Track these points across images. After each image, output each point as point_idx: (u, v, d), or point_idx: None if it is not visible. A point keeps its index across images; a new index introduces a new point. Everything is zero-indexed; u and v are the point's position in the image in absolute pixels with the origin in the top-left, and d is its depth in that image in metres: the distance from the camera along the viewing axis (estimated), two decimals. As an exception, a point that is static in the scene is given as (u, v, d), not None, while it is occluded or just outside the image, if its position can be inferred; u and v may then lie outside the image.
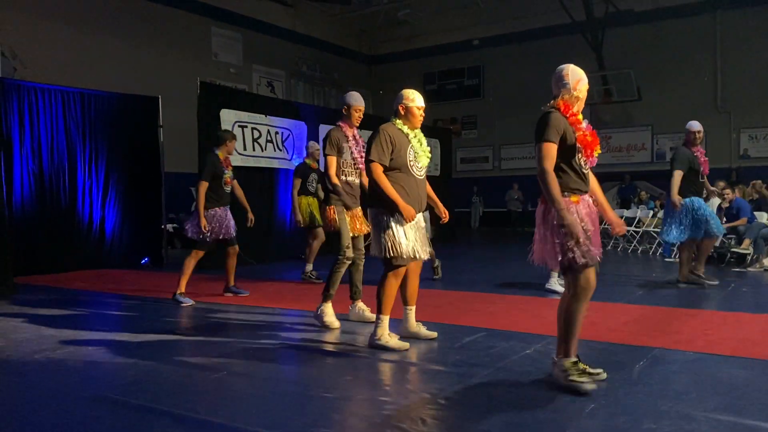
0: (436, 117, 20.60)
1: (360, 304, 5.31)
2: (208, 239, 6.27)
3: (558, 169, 3.32)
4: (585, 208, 3.35)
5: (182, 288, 6.32)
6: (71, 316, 5.87)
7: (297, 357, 4.33)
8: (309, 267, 7.80)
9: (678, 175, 6.75)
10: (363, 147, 5.10)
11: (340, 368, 3.96)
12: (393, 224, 4.17)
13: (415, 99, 4.33)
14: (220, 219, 6.31)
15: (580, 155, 3.36)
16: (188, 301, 6.27)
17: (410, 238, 4.19)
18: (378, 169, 4.17)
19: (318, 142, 10.84)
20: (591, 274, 3.32)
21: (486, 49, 20.42)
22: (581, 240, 3.20)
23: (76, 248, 9.25)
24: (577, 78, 3.42)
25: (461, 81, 21.57)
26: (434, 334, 4.57)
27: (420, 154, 4.32)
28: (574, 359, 3.36)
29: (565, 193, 3.30)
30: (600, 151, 3.46)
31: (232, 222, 6.47)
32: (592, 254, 3.26)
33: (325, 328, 5.02)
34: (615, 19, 17.10)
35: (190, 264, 6.34)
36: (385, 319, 4.29)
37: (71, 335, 5.00)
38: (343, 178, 5.16)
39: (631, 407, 3.04)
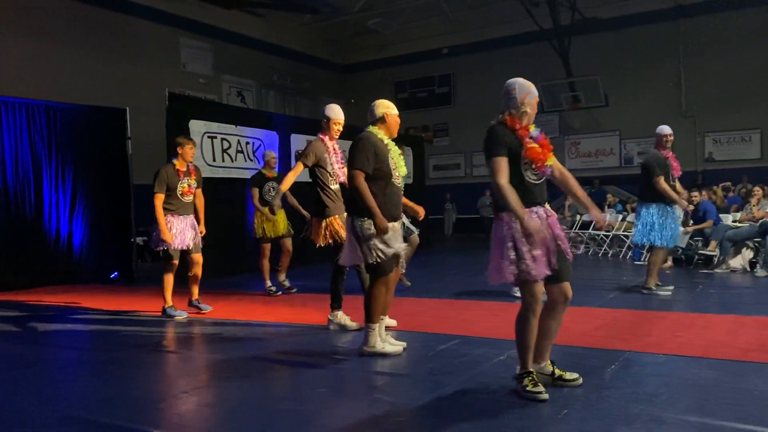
0: (408, 125, 20.65)
1: (340, 313, 5.29)
2: (170, 249, 6.12)
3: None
4: (534, 221, 3.29)
5: (169, 301, 6.22)
6: (39, 333, 5.74)
7: (270, 370, 4.29)
8: (273, 280, 7.67)
9: (662, 181, 6.62)
10: (342, 157, 5.19)
11: (314, 380, 3.93)
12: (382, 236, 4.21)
13: (394, 108, 4.47)
14: (178, 227, 6.15)
15: (528, 167, 3.36)
16: (181, 314, 6.17)
17: (394, 245, 4.26)
18: (360, 177, 4.20)
19: (290, 151, 10.85)
20: (535, 289, 3.30)
21: (455, 58, 20.61)
22: (533, 250, 3.22)
23: (43, 263, 9.05)
24: (524, 92, 3.42)
25: (432, 89, 21.71)
26: (402, 346, 4.45)
27: (399, 162, 4.41)
28: (530, 370, 3.38)
29: (509, 209, 3.32)
30: (552, 161, 3.43)
31: (194, 232, 6.28)
32: (536, 268, 3.23)
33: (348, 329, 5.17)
34: (581, 26, 17.37)
35: (168, 277, 6.23)
36: (375, 327, 4.35)
37: (39, 353, 4.89)
38: (332, 187, 5.28)
39: (603, 411, 3.07)
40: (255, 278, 9.23)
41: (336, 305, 5.29)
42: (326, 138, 5.33)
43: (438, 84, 21.60)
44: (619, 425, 2.88)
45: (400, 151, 4.47)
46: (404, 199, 4.77)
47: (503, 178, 3.32)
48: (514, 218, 3.29)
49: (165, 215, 6.10)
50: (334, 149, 5.35)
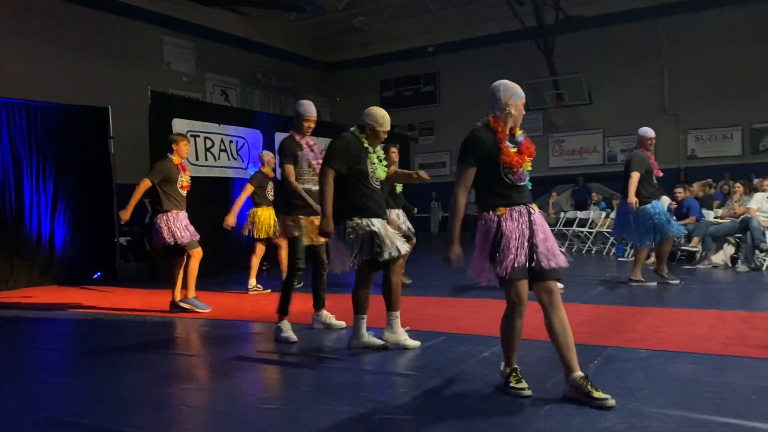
0: (394, 124, 20.42)
1: (325, 312, 5.27)
2: (183, 242, 6.15)
3: (486, 182, 3.36)
4: (511, 221, 3.30)
5: (192, 292, 6.28)
6: (20, 335, 5.68)
7: (254, 369, 4.27)
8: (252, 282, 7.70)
9: (636, 177, 6.82)
10: (320, 153, 5.14)
11: (299, 379, 3.92)
12: (375, 228, 4.25)
13: (384, 124, 4.42)
14: (183, 222, 6.23)
15: (507, 170, 3.34)
16: (206, 307, 6.23)
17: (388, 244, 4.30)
18: (329, 175, 4.22)
19: (274, 150, 10.79)
20: (517, 287, 3.27)
21: (440, 56, 20.63)
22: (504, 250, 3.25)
23: (25, 264, 8.94)
24: (509, 94, 3.40)
25: (417, 87, 21.73)
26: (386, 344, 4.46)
27: (379, 168, 4.42)
28: (514, 366, 3.39)
29: (489, 210, 3.36)
30: (530, 167, 3.41)
31: (192, 228, 6.38)
32: (506, 268, 3.23)
33: (285, 343, 4.86)
34: (565, 25, 17.48)
35: (193, 266, 6.29)
36: (397, 316, 4.49)
37: (20, 354, 4.84)
38: (302, 186, 5.09)
39: (586, 406, 3.08)
40: (238, 277, 9.19)
41: (319, 304, 5.27)
42: (298, 135, 5.17)
43: (423, 82, 21.62)
44: (602, 420, 2.89)
45: (382, 156, 4.47)
46: (402, 171, 5.03)
47: (460, 189, 3.36)
48: (494, 216, 3.33)
49: (171, 211, 6.18)
50: (309, 145, 5.17)
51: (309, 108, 5.19)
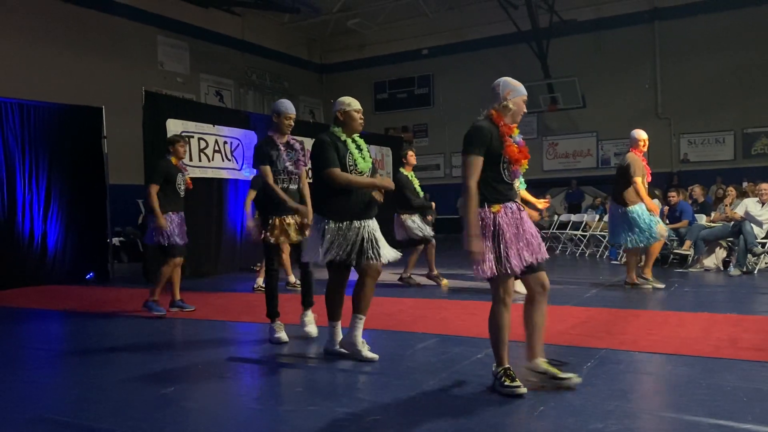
0: (388, 126, 20.71)
1: (310, 313, 5.24)
2: (174, 243, 6.15)
3: (483, 177, 3.38)
4: (505, 217, 3.37)
5: (156, 296, 6.20)
6: (11, 335, 5.64)
7: (247, 370, 4.26)
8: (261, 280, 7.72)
9: (640, 181, 6.90)
10: (301, 153, 5.10)
11: (291, 380, 3.91)
12: (354, 231, 4.17)
13: (351, 103, 4.32)
14: (176, 223, 6.22)
15: (506, 165, 3.41)
16: (160, 311, 6.12)
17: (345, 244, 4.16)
18: (337, 173, 4.12)
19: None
20: (508, 284, 3.35)
21: (435, 59, 20.66)
22: (482, 258, 3.29)
23: (17, 264, 8.88)
24: (508, 89, 3.45)
25: (411, 90, 21.73)
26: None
27: (359, 160, 4.27)
28: (506, 366, 3.39)
29: (485, 204, 3.37)
30: (527, 167, 3.48)
31: (185, 229, 6.36)
32: (511, 264, 3.28)
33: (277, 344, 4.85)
34: (559, 28, 17.54)
35: (167, 272, 6.22)
36: (335, 325, 4.38)
37: (11, 353, 4.81)
38: (278, 185, 4.96)
39: (579, 408, 3.10)
40: (232, 279, 9.19)
41: (307, 304, 5.22)
42: (276, 135, 5.07)
43: (417, 85, 21.63)
44: (595, 421, 2.90)
45: (362, 147, 4.35)
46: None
47: (473, 180, 3.36)
48: (489, 213, 3.36)
49: (167, 212, 6.14)
50: (289, 144, 5.07)
51: (289, 105, 5.13)
